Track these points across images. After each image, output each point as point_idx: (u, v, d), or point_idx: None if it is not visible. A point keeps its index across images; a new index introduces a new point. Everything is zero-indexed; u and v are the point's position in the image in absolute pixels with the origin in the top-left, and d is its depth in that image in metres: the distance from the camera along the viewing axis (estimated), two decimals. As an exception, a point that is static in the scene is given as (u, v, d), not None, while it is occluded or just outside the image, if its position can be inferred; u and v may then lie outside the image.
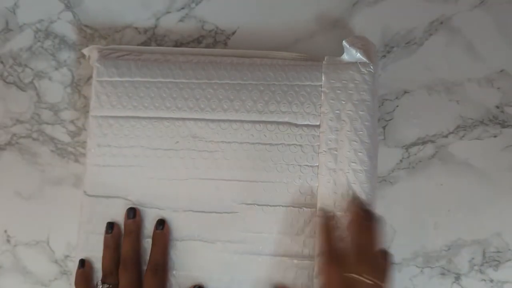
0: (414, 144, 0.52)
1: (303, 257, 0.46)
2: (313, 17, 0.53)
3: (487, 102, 0.51)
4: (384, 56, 0.52)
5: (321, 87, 0.47)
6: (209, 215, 0.47)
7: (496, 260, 0.50)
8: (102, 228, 0.47)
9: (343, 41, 0.48)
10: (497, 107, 0.51)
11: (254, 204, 0.47)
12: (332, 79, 0.47)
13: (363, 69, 0.47)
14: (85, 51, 0.51)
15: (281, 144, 0.47)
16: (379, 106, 0.52)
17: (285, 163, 0.47)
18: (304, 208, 0.47)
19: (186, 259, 0.47)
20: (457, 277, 0.50)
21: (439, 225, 0.51)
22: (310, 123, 0.47)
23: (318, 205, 0.46)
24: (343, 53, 0.48)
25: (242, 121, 0.48)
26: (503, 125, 0.51)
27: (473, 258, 0.50)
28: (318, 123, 0.47)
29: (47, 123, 0.53)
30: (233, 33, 0.53)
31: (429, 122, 0.52)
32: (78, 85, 0.54)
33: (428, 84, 0.52)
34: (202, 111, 0.48)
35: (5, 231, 0.53)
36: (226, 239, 0.47)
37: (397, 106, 0.52)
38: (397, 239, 0.51)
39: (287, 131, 0.47)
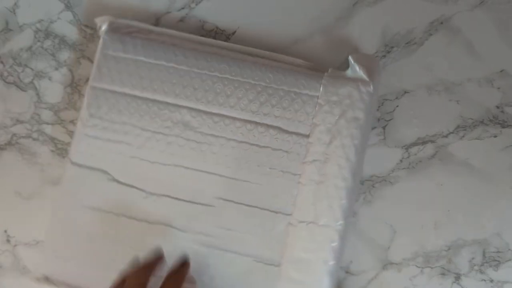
0: (414, 144, 0.52)
1: (270, 263, 0.46)
2: (313, 17, 0.53)
3: (487, 102, 0.51)
4: (384, 56, 0.52)
5: (318, 98, 0.47)
6: (186, 204, 0.48)
7: (496, 260, 0.50)
8: (83, 200, 0.48)
9: (349, 56, 0.48)
10: (497, 107, 0.51)
11: (231, 201, 0.47)
12: (329, 92, 0.47)
13: (362, 88, 0.47)
14: (98, 20, 0.50)
15: (268, 147, 0.47)
16: (379, 106, 0.52)
17: (268, 166, 0.47)
18: (280, 214, 0.47)
19: (154, 243, 0.47)
20: (457, 277, 0.50)
21: (439, 225, 0.51)
22: (300, 132, 0.47)
23: (295, 213, 0.47)
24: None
25: (234, 118, 0.48)
26: (503, 125, 0.51)
27: (473, 258, 0.50)
28: (308, 133, 0.47)
29: (47, 123, 0.53)
30: (233, 33, 0.53)
31: (429, 122, 0.52)
32: (78, 85, 0.54)
33: (428, 84, 0.52)
34: (197, 101, 0.48)
35: (5, 231, 0.53)
36: (198, 230, 0.47)
37: (397, 106, 0.52)
38: (397, 239, 0.51)
39: (276, 136, 0.47)
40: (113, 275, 0.47)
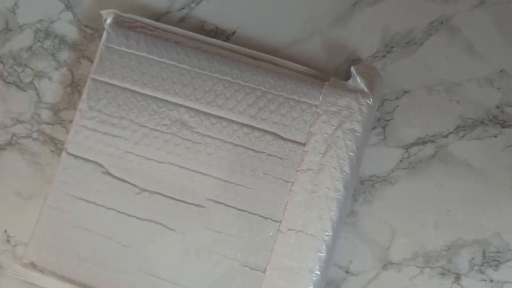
0: (414, 144, 0.52)
1: (255, 268, 0.46)
2: (313, 17, 0.53)
3: (487, 102, 0.51)
4: (384, 56, 0.52)
5: (316, 107, 0.47)
6: (177, 203, 0.48)
7: (496, 260, 0.50)
8: (76, 192, 0.48)
9: (352, 67, 0.48)
10: (497, 107, 0.51)
11: (222, 203, 0.47)
12: (329, 102, 0.47)
13: (362, 100, 0.47)
14: (103, 12, 0.50)
15: (263, 152, 0.47)
16: (379, 106, 0.52)
17: (262, 172, 0.47)
18: (270, 220, 0.47)
19: (143, 239, 0.47)
20: (457, 277, 0.50)
21: (439, 225, 0.51)
22: (296, 140, 0.47)
23: (284, 221, 0.47)
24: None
25: (232, 121, 0.48)
26: (503, 125, 0.51)
27: (473, 258, 0.50)
28: (303, 142, 0.47)
29: (47, 123, 0.53)
30: (233, 33, 0.53)
31: (429, 122, 0.52)
32: (78, 85, 0.54)
33: (428, 84, 0.52)
34: (197, 101, 0.48)
35: (5, 231, 0.53)
36: (187, 230, 0.47)
37: (397, 106, 0.52)
38: (397, 239, 0.51)
39: (272, 142, 0.47)
40: (99, 269, 0.47)
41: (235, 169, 0.47)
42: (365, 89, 0.47)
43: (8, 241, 0.53)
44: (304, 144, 0.47)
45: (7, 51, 0.54)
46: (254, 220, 0.47)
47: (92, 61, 0.53)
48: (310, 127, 0.47)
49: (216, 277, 0.46)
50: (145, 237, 0.47)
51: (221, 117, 0.48)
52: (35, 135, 0.53)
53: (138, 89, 0.49)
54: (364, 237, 0.51)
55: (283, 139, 0.47)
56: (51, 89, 0.54)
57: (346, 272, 0.51)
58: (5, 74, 0.54)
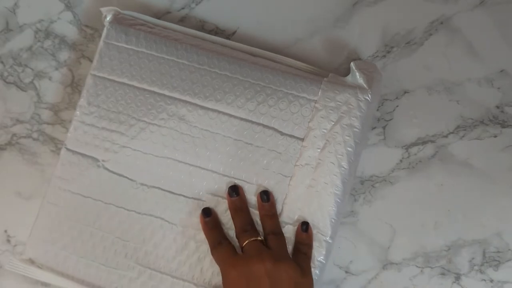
0: (414, 144, 0.52)
1: None
2: (313, 17, 0.53)
3: (487, 102, 0.51)
4: (384, 56, 0.52)
5: (315, 103, 0.47)
6: (176, 197, 0.48)
7: (496, 260, 0.50)
8: (74, 187, 0.48)
9: (351, 63, 0.48)
10: (497, 107, 0.51)
11: (221, 197, 0.47)
12: (327, 97, 0.47)
13: (360, 96, 0.47)
14: (104, 10, 0.50)
15: (262, 147, 0.47)
16: (379, 106, 0.52)
17: (261, 166, 0.47)
18: None
19: (142, 233, 0.47)
20: (457, 277, 0.50)
21: (439, 225, 0.51)
22: (294, 135, 0.47)
23: (283, 215, 0.47)
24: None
25: (230, 115, 0.48)
26: (503, 125, 0.51)
27: (473, 258, 0.50)
28: (302, 137, 0.47)
29: (47, 123, 0.53)
30: (233, 33, 0.53)
31: (429, 122, 0.52)
32: (78, 85, 0.54)
33: (428, 84, 0.52)
34: (195, 96, 0.48)
35: (5, 231, 0.53)
36: (187, 224, 0.47)
37: (397, 106, 0.52)
38: (397, 239, 0.51)
39: (271, 137, 0.47)
40: (98, 264, 0.47)
41: (234, 163, 0.47)
42: (364, 85, 0.47)
43: (8, 241, 0.53)
44: (303, 139, 0.47)
45: (7, 51, 0.54)
46: (254, 215, 0.47)
47: (92, 61, 0.53)
48: (309, 122, 0.47)
49: (217, 271, 0.46)
50: (144, 232, 0.47)
51: (219, 112, 0.48)
52: (35, 135, 0.53)
53: (135, 83, 0.49)
54: (364, 237, 0.51)
55: (282, 134, 0.47)
56: (51, 89, 0.54)
57: (346, 272, 0.51)
58: (5, 74, 0.54)
